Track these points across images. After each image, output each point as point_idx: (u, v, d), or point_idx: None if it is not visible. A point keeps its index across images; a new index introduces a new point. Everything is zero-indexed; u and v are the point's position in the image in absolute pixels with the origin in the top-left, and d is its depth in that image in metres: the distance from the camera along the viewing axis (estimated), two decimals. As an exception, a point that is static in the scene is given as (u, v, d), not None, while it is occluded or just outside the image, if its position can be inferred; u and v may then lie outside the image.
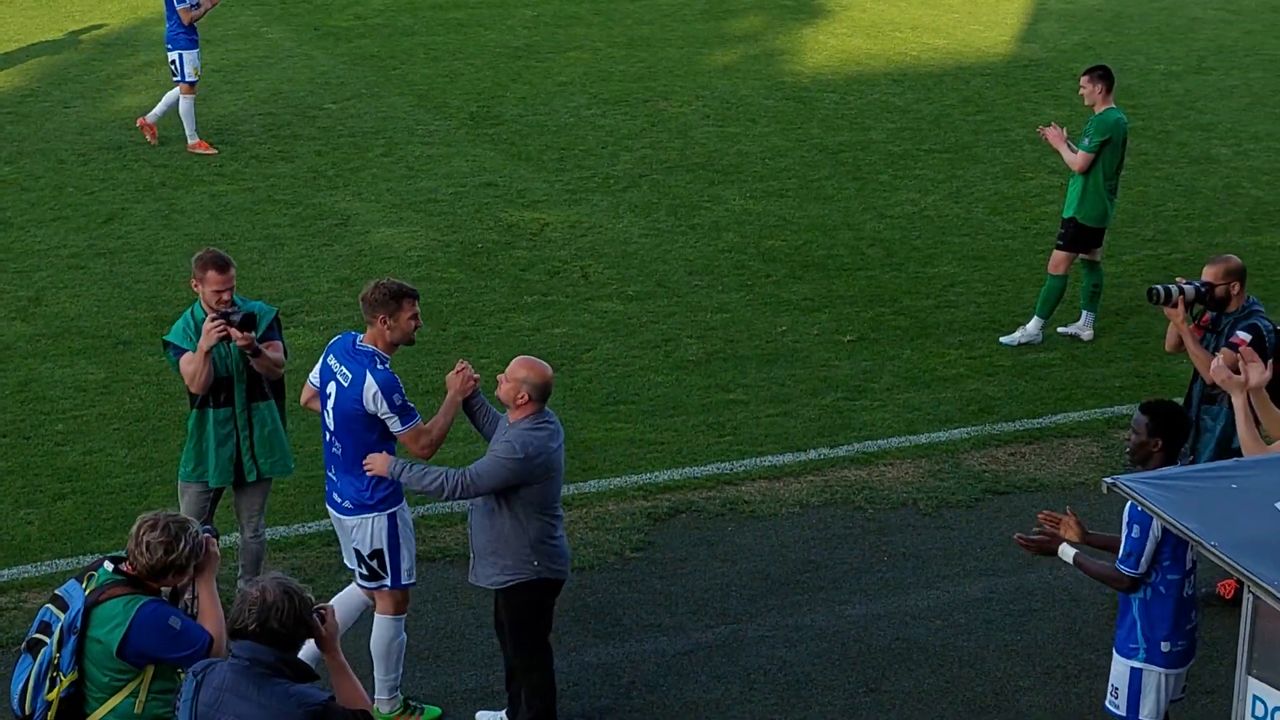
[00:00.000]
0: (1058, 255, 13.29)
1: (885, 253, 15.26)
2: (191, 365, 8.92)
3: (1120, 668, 7.81)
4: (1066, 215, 13.27)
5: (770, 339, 13.47)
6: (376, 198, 16.48)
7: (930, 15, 23.84)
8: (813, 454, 11.60)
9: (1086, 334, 13.46)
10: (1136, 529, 7.58)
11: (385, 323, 8.38)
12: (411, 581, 8.66)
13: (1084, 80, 13.30)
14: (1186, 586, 7.70)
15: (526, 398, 8.14)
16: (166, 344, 9.17)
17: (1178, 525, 6.41)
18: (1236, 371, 8.12)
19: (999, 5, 24.46)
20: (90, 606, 6.46)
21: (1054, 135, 13.30)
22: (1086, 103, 13.35)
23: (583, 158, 17.79)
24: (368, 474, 8.37)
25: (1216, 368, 8.23)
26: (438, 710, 8.87)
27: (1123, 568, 7.65)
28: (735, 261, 15.08)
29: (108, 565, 6.57)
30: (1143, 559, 7.60)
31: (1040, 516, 8.18)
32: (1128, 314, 13.92)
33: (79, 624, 6.43)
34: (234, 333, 8.82)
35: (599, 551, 10.32)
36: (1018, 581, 9.95)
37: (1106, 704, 7.92)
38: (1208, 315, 9.85)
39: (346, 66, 20.82)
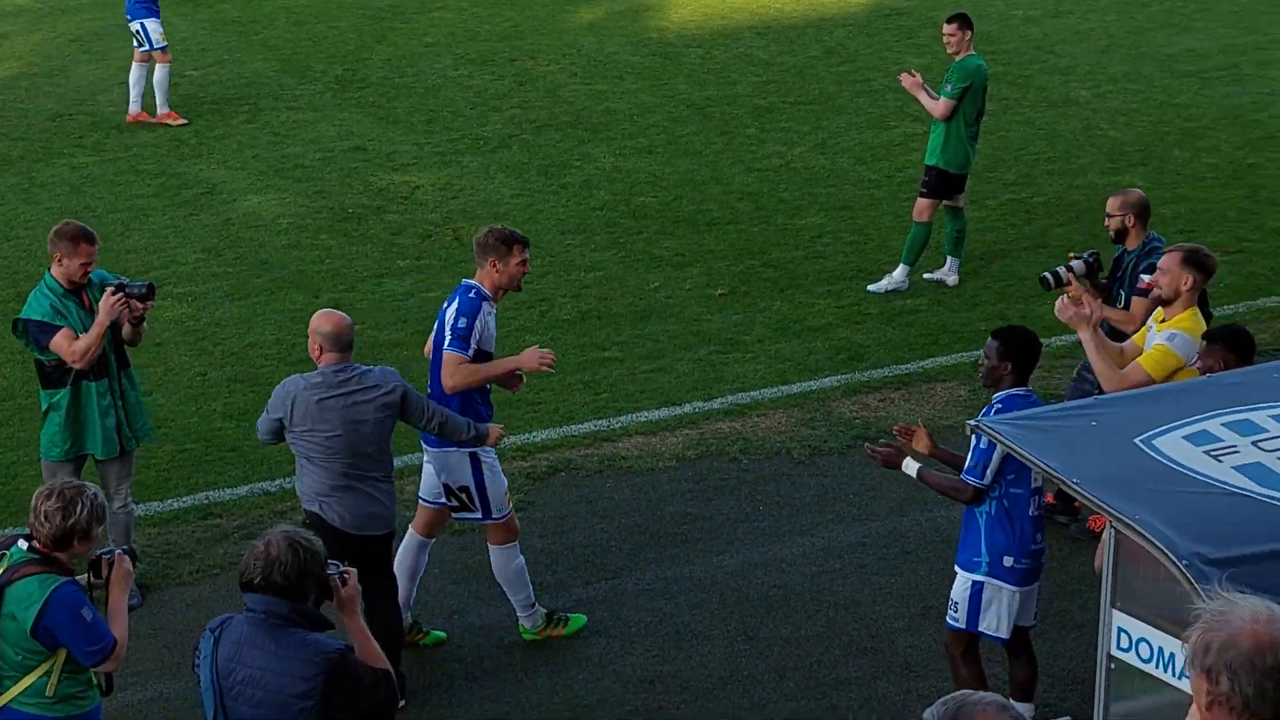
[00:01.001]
0: (921, 203, 13.49)
1: (754, 206, 15.40)
2: (85, 340, 8.91)
3: (962, 582, 7.99)
4: (929, 163, 13.47)
5: (643, 295, 13.56)
6: (242, 165, 16.33)
7: (793, -33, 23.97)
8: (688, 408, 11.72)
9: (952, 279, 13.68)
10: (983, 439, 7.73)
11: (495, 265, 8.71)
12: (505, 513, 8.92)
13: (948, 28, 13.48)
14: (1032, 506, 7.91)
15: (319, 349, 8.20)
16: (26, 323, 9.05)
17: (1040, 463, 6.55)
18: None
19: (860, -45, 24.64)
20: (4, 585, 6.48)
21: (912, 83, 13.48)
22: (949, 51, 13.53)
23: (451, 119, 17.73)
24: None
25: (1060, 307, 8.44)
26: (583, 618, 9.17)
27: (968, 478, 7.84)
28: (607, 219, 15.14)
29: (21, 544, 6.57)
30: (988, 470, 7.79)
31: (894, 429, 8.35)
32: (991, 258, 14.16)
33: None
34: (135, 304, 8.92)
35: (478, 513, 10.36)
36: (891, 525, 10.14)
37: (947, 619, 8.09)
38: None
39: (207, 32, 20.57)
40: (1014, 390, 7.96)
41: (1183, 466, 6.40)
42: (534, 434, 11.31)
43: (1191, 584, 5.81)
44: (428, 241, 14.59)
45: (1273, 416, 6.73)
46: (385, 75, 19.13)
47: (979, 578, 7.93)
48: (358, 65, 19.47)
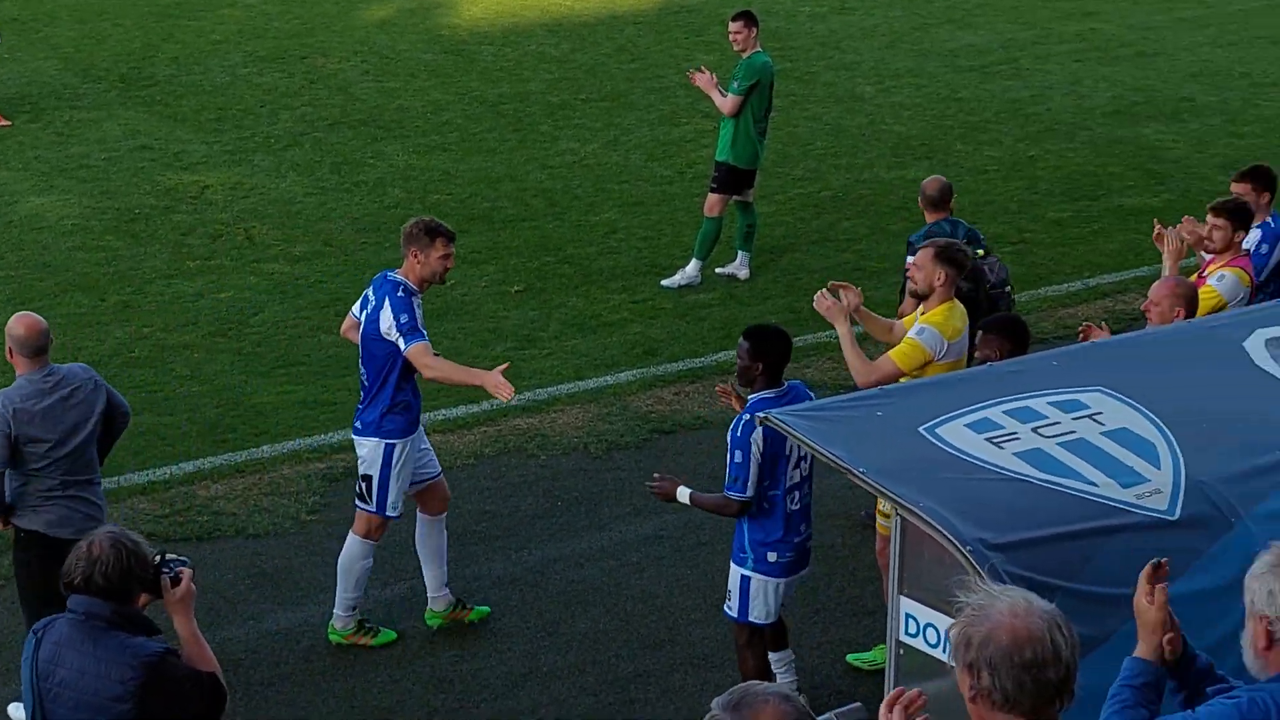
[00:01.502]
0: (712, 198, 13.66)
1: (548, 203, 15.43)
2: None
3: (734, 574, 8.19)
4: (719, 158, 13.65)
5: (439, 293, 13.43)
6: (24, 166, 15.91)
7: (584, -36, 24.05)
8: (485, 405, 11.70)
9: (743, 273, 13.87)
10: (739, 454, 7.91)
11: (417, 257, 8.78)
12: (393, 515, 8.95)
13: (734, 25, 13.66)
14: (790, 502, 8.09)
15: (10, 352, 8.05)
16: None
17: (827, 453, 6.66)
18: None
19: (650, -48, 24.82)
20: None
21: (703, 80, 13.65)
22: (736, 48, 13.71)
23: (241, 117, 17.48)
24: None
25: (817, 300, 8.62)
26: (393, 635, 9.03)
27: (730, 493, 8.00)
28: (401, 217, 14.87)
29: None
30: (749, 482, 7.94)
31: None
32: (781, 252, 14.39)
33: None
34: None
35: (275, 517, 10.26)
36: (686, 517, 10.23)
37: (724, 608, 8.28)
38: None
39: (-16, 30, 19.99)
40: (764, 393, 8.00)
41: (966, 454, 6.56)
42: (330, 435, 11.21)
43: (975, 569, 5.98)
44: (218, 241, 14.36)
45: (1051, 403, 6.93)
46: (172, 73, 18.78)
47: (746, 572, 8.11)
48: (143, 63, 19.08)
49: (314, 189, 15.63)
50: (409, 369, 8.80)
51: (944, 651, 6.43)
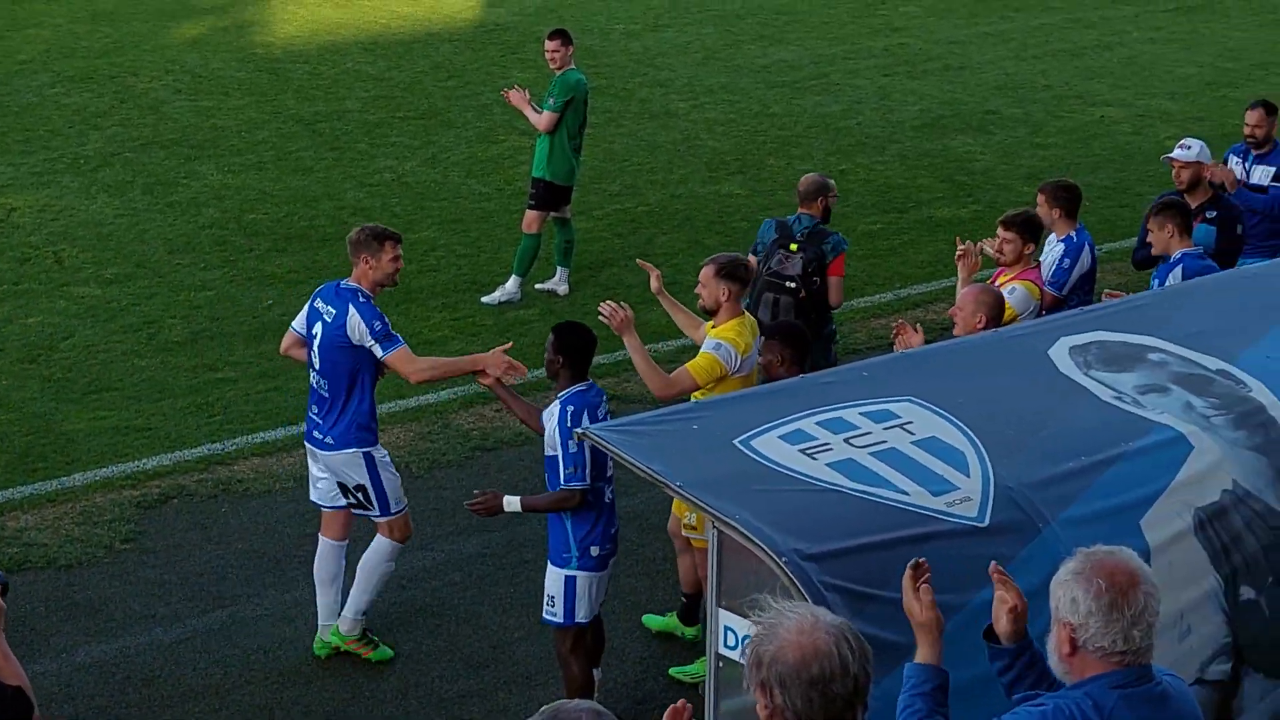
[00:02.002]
0: (530, 214, 13.69)
1: (367, 220, 15.27)
2: None
3: (555, 576, 8.21)
4: (536, 175, 13.69)
5: (256, 314, 13.36)
6: None
7: (398, -19, 23.95)
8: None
9: (562, 289, 13.91)
10: (571, 444, 7.99)
11: (368, 262, 8.83)
12: (400, 508, 9.00)
13: (549, 43, 13.72)
14: (607, 493, 8.19)
15: None
16: None
17: (644, 468, 6.71)
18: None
19: (465, -31, 24.79)
20: None
21: (516, 98, 13.68)
22: (552, 65, 13.76)
23: (49, 138, 17.12)
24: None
25: (608, 315, 8.77)
26: (390, 653, 8.95)
27: (572, 484, 8.03)
28: (216, 238, 14.86)
29: None
30: (586, 469, 8.02)
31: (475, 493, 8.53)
32: (599, 268, 14.45)
33: None
34: None
35: (86, 547, 10.04)
36: (510, 535, 10.24)
37: (544, 615, 8.30)
38: None
39: None
40: (575, 387, 8.20)
41: (780, 465, 6.64)
42: (144, 461, 11.01)
43: (791, 579, 6.07)
44: (26, 265, 14.05)
45: (863, 414, 7.05)
46: (-25, 93, 18.34)
47: (571, 572, 8.15)
48: (-56, 83, 18.60)
49: (125, 210, 15.36)
50: (376, 375, 8.89)
51: (762, 662, 6.51)
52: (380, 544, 9.05)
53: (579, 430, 7.24)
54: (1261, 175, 11.85)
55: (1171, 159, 11.20)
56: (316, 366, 8.90)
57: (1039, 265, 10.11)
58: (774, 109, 18.71)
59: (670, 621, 9.26)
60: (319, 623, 9.11)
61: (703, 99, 19.09)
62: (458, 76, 19.71)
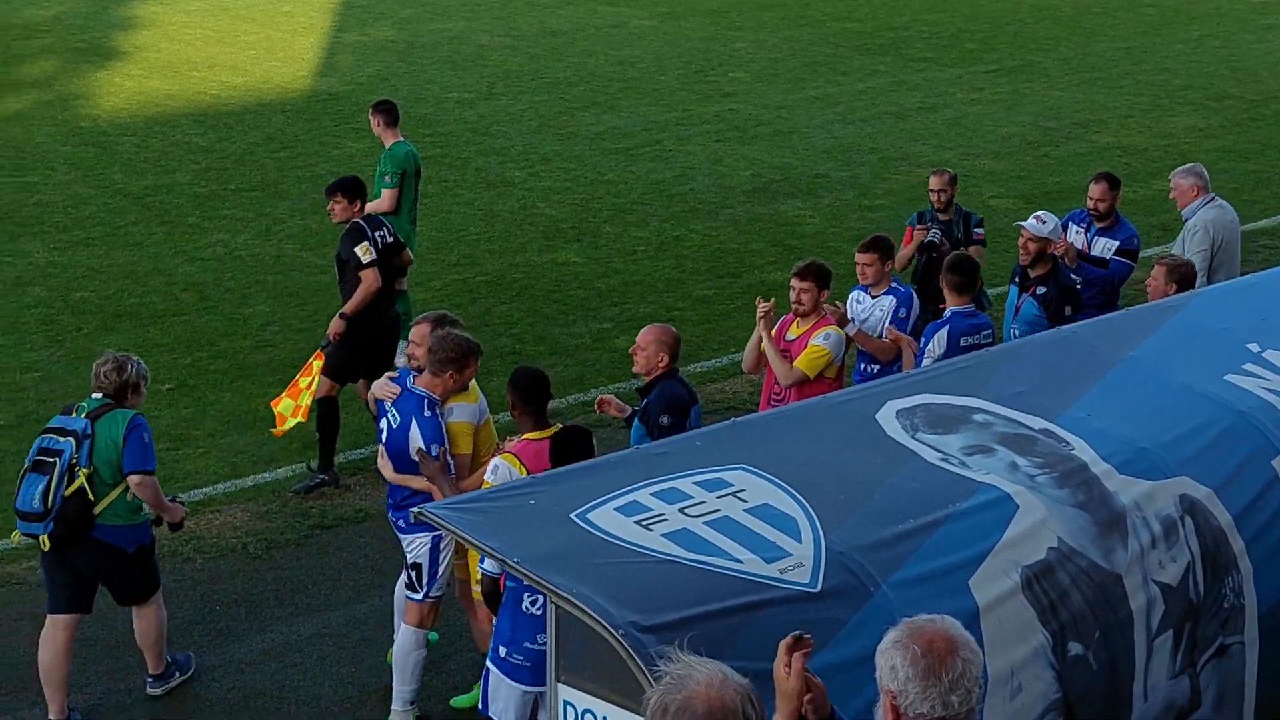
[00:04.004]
0: None
1: (199, 296, 15.16)
2: None
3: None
4: (371, 249, 13.60)
5: (85, 395, 13.08)
6: None
7: (227, 53, 23.81)
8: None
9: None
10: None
11: (453, 377, 8.87)
12: (439, 594, 9.02)
13: (374, 118, 13.71)
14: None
15: None
16: None
17: (482, 545, 6.71)
18: None
19: (295, 40, 24.71)
20: (94, 419, 8.83)
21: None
22: (376, 133, 13.79)
23: None
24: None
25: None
26: None
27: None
28: (43, 316, 14.59)
29: (95, 395, 8.92)
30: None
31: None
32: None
33: (89, 432, 8.76)
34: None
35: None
36: (349, 613, 10.15)
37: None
38: None
39: None
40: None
41: (616, 538, 6.65)
42: (-28, 550, 10.75)
43: (629, 652, 6.09)
44: None
45: (696, 483, 7.09)
46: None
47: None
48: None
49: (-52, 291, 15.03)
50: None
51: (603, 737, 6.52)
52: (406, 634, 9.01)
53: (415, 510, 7.20)
54: (1104, 248, 12.04)
55: (1024, 228, 11.08)
56: (388, 454, 9.04)
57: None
58: (609, 176, 18.86)
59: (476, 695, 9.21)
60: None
61: (538, 166, 19.19)
62: (290, 147, 19.61)
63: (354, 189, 12.04)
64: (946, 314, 10.32)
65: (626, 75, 23.24)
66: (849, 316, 10.55)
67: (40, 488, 8.67)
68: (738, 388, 13.27)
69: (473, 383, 9.15)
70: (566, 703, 6.62)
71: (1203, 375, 8.19)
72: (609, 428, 11.63)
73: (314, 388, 11.30)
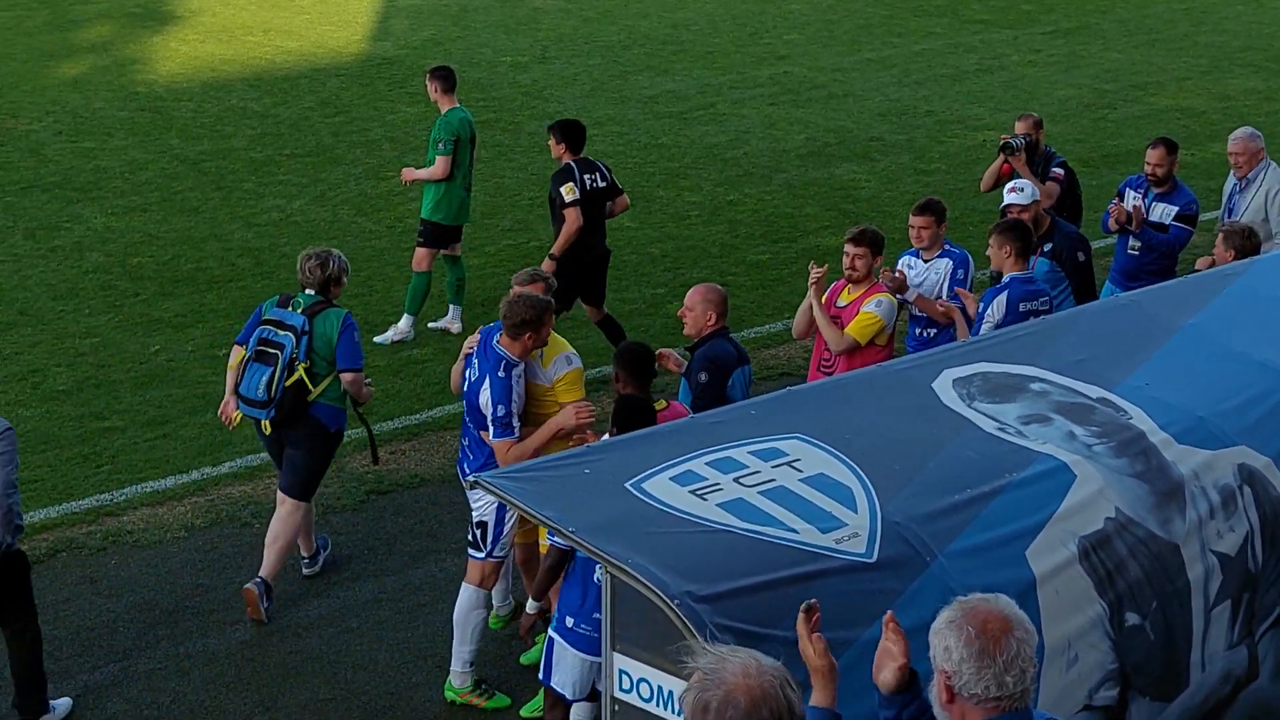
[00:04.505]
0: (420, 252, 13.69)
1: (255, 262, 15.24)
2: None
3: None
4: (424, 216, 13.67)
5: (144, 360, 13.22)
6: None
7: (282, 17, 23.85)
8: (195, 474, 11.49)
9: (455, 326, 13.90)
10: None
11: (531, 338, 8.90)
12: (502, 554, 9.08)
13: (431, 84, 13.73)
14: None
15: None
16: None
17: (538, 514, 6.72)
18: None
19: (349, 4, 24.73)
20: (310, 316, 9.68)
21: (408, 174, 13.81)
22: (433, 99, 13.81)
23: (-76, 184, 16.89)
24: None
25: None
26: (507, 700, 8.92)
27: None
28: (101, 282, 14.70)
29: (307, 292, 9.79)
30: None
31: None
32: (492, 305, 14.35)
33: (307, 328, 9.61)
34: None
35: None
36: (405, 579, 10.22)
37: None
38: None
39: None
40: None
41: (671, 507, 6.66)
42: (31, 514, 10.83)
43: (683, 622, 6.10)
44: (-94, 316, 13.82)
45: (751, 452, 7.09)
46: None
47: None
48: None
49: (6, 256, 15.15)
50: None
51: (659, 706, 6.54)
52: (467, 593, 9.09)
53: (471, 478, 7.23)
54: (1163, 214, 11.96)
55: (1010, 206, 11.23)
56: (465, 407, 9.18)
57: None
58: (662, 139, 18.81)
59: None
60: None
61: (592, 131, 18.99)
62: (345, 112, 19.65)
63: (566, 130, 13.09)
64: (1005, 279, 10.27)
65: (680, 38, 23.16)
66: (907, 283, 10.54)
67: (264, 378, 9.58)
68: (792, 353, 13.25)
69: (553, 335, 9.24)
70: (622, 671, 6.65)
71: (1261, 343, 8.13)
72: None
73: None
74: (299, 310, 9.70)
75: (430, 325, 13.89)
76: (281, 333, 9.65)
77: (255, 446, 11.87)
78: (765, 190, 17.22)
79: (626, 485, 6.80)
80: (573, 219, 12.49)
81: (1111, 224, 11.88)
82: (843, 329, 10.15)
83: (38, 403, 12.45)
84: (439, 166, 13.47)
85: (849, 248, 10.21)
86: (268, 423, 9.70)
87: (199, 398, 12.57)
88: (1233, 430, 7.51)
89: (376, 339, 13.62)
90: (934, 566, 6.59)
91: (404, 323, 13.73)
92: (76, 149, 18.12)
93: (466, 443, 9.25)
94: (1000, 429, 7.31)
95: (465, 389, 9.12)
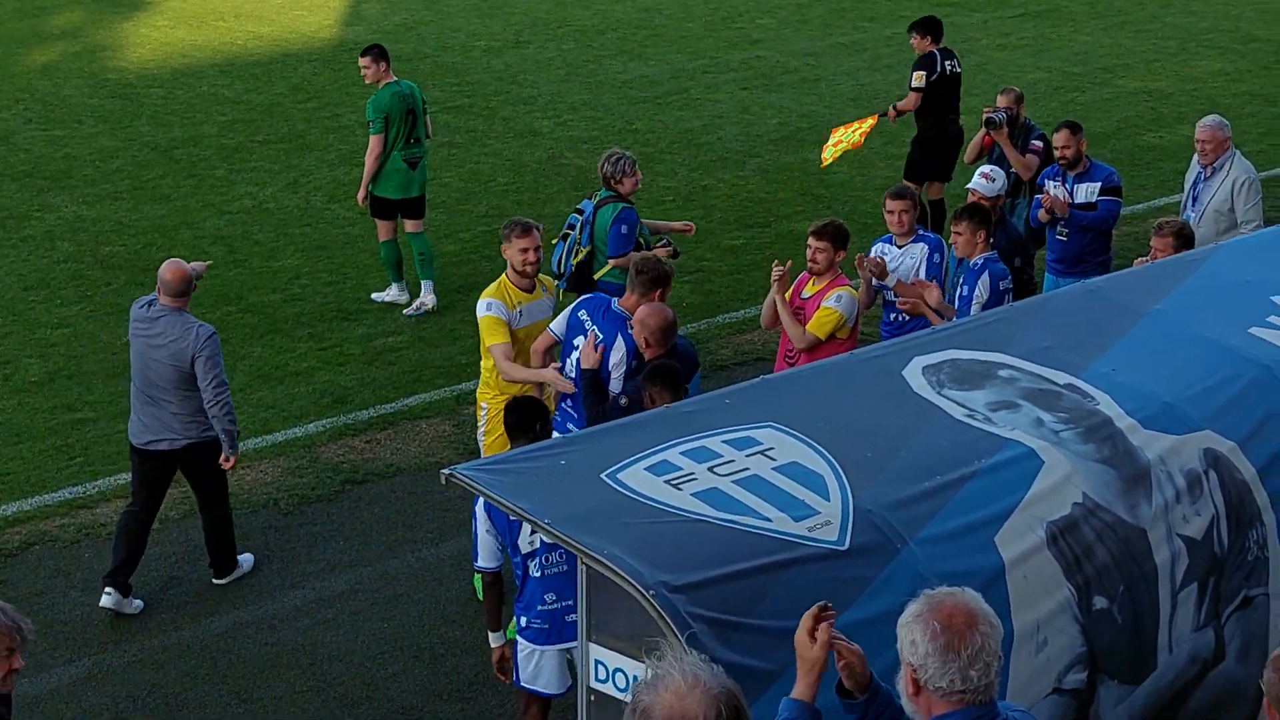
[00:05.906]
0: (381, 224, 13.91)
1: (228, 250, 15.22)
2: None
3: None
4: (372, 191, 13.92)
5: (116, 351, 13.18)
6: None
7: (253, 3, 23.78)
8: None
9: (430, 300, 13.94)
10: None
11: (650, 297, 9.40)
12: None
13: (363, 60, 13.98)
14: (532, 567, 8.10)
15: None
16: None
17: (513, 506, 6.76)
18: None
19: (320, -11, 24.66)
20: (597, 208, 11.32)
21: (360, 194, 14.00)
22: (367, 81, 13.97)
23: (-108, 174, 16.83)
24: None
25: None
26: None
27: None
28: (72, 272, 14.68)
29: (602, 190, 11.32)
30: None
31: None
32: (468, 290, 14.41)
33: (590, 217, 11.31)
34: None
35: (-51, 597, 9.88)
36: (382, 569, 10.24)
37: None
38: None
39: None
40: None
41: (646, 497, 6.70)
42: (3, 507, 10.85)
43: (659, 612, 6.15)
44: (-123, 308, 13.78)
45: (725, 441, 7.13)
46: None
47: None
48: None
49: (-22, 247, 15.13)
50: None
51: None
52: None
53: (445, 472, 7.26)
54: (1087, 193, 12.01)
55: (974, 190, 11.56)
56: (573, 376, 9.43)
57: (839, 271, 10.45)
58: (636, 125, 18.82)
59: None
60: None
61: (566, 116, 19.16)
62: (317, 98, 19.62)
63: (927, 25, 15.19)
64: (979, 260, 10.43)
65: (653, 22, 23.16)
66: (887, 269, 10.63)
67: (559, 254, 11.39)
68: (767, 338, 13.28)
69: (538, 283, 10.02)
70: (598, 661, 6.70)
71: (1227, 329, 8.19)
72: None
73: (866, 129, 14.42)
74: (594, 200, 11.44)
75: (406, 313, 13.88)
76: (578, 218, 11.45)
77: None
78: (739, 175, 17.25)
79: (602, 476, 6.84)
80: (909, 101, 15.16)
81: (1041, 214, 11.97)
82: (805, 324, 10.20)
83: (9, 395, 12.43)
84: (371, 147, 13.65)
85: (811, 240, 10.25)
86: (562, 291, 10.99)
87: (173, 387, 12.55)
88: (1198, 415, 7.58)
89: (406, 312, 13.83)
90: (904, 553, 6.64)
91: (425, 292, 13.97)
92: (46, 137, 18.06)
93: (568, 404, 9.54)
94: (969, 416, 7.38)
95: (577, 359, 9.38)
